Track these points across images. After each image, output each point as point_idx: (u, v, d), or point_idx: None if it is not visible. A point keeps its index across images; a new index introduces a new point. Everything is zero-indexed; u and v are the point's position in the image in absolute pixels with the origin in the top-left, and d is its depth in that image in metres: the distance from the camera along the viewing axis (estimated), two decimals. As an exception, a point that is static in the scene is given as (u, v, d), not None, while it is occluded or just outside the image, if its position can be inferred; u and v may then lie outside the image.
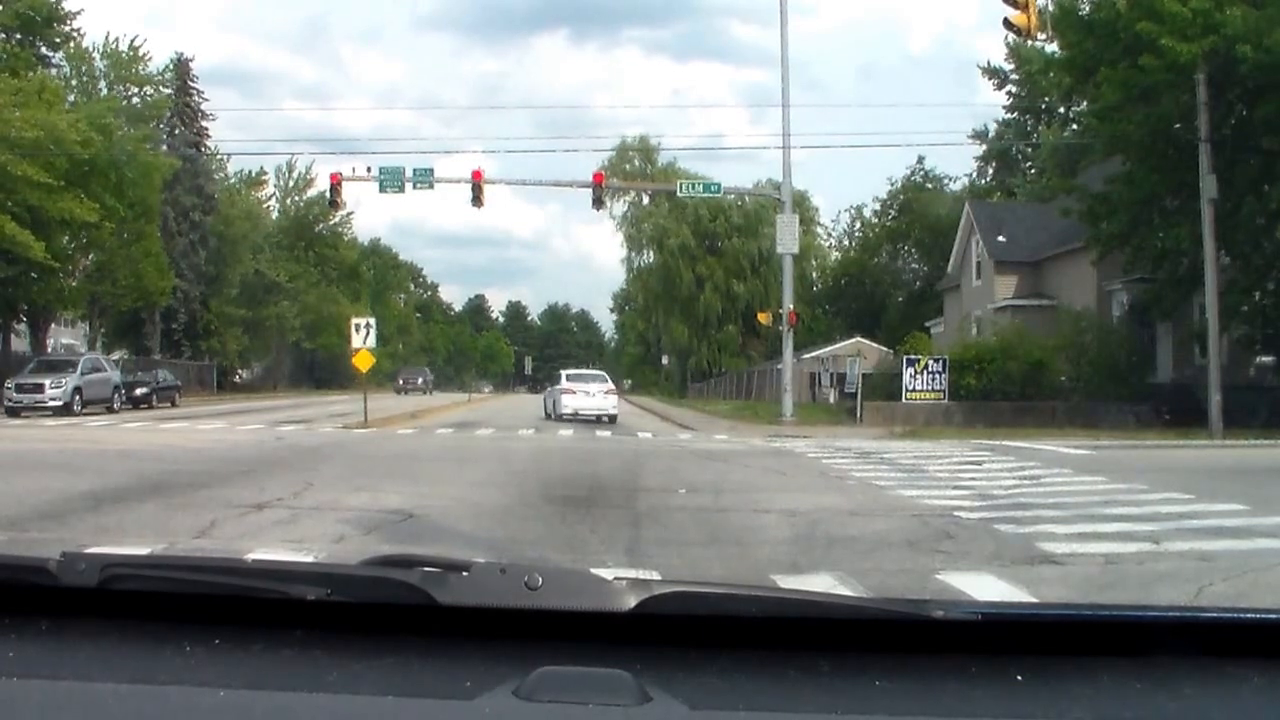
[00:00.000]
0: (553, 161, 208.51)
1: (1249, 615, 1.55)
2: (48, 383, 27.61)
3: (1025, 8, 18.85)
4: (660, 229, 59.55)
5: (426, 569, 1.34)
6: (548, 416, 27.75)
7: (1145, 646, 1.31)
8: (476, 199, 27.68)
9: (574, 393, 26.98)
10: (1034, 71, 41.22)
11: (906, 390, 25.54)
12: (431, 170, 28.81)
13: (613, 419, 26.40)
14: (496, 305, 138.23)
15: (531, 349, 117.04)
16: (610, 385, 28.54)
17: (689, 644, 1.29)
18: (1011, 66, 49.86)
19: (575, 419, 25.86)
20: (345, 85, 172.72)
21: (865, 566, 6.53)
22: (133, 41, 41.57)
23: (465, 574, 1.32)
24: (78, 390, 28.22)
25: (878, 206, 58.59)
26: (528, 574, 1.30)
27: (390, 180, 27.79)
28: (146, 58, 41.82)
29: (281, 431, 21.00)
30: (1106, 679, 1.25)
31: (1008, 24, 19.42)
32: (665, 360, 66.58)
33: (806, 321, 45.47)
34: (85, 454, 14.57)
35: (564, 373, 29.86)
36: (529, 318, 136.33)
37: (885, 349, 38.24)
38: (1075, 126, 40.92)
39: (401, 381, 60.99)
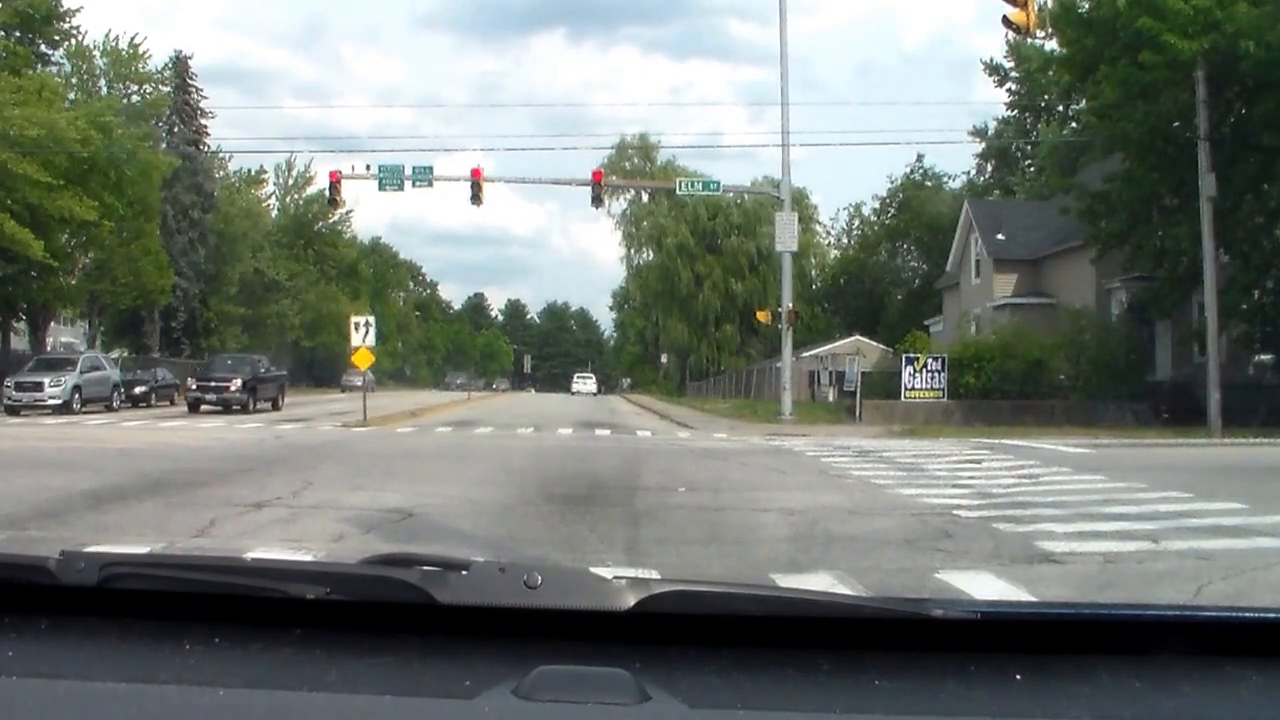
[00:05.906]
0: (552, 160, 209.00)
1: (1248, 614, 1.55)
2: (47, 381, 27.59)
3: (1024, 5, 18.76)
4: (659, 227, 59.52)
5: (426, 568, 1.34)
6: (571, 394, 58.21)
7: (1144, 645, 1.31)
8: (476, 197, 27.68)
9: (577, 382, 66.56)
10: (1033, 69, 41.30)
11: (906, 389, 25.54)
12: (431, 168, 28.79)
13: (596, 394, 59.90)
14: (496, 303, 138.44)
15: (530, 347, 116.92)
16: (594, 380, 69.92)
17: (688, 643, 1.29)
18: (1011, 64, 49.85)
19: (577, 395, 56.44)
20: (344, 84, 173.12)
21: (864, 565, 6.53)
22: (133, 39, 41.69)
23: (464, 573, 1.32)
24: (77, 389, 28.21)
25: (877, 205, 58.51)
26: (527, 573, 1.30)
27: (389, 178, 27.76)
28: (146, 56, 41.96)
29: (281, 430, 21.00)
30: (1105, 678, 1.25)
31: (1007, 22, 19.33)
32: (664, 359, 66.51)
33: (806, 320, 45.36)
34: (84, 452, 14.56)
35: (576, 374, 69.62)
36: (528, 316, 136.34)
37: (884, 347, 38.18)
38: (1075, 124, 40.89)
39: (194, 386, 30.49)
